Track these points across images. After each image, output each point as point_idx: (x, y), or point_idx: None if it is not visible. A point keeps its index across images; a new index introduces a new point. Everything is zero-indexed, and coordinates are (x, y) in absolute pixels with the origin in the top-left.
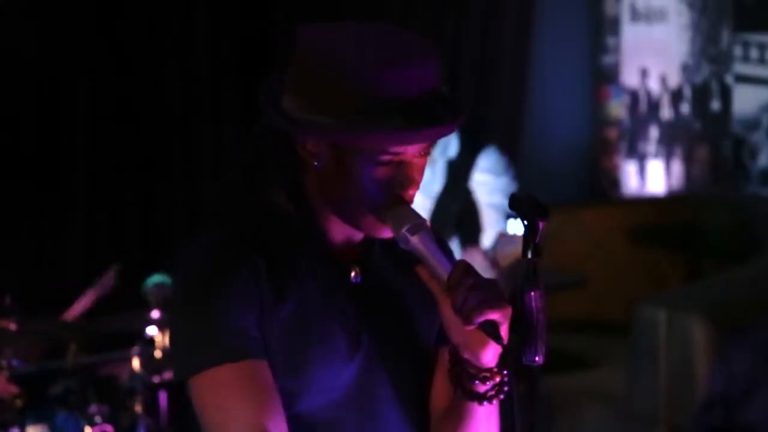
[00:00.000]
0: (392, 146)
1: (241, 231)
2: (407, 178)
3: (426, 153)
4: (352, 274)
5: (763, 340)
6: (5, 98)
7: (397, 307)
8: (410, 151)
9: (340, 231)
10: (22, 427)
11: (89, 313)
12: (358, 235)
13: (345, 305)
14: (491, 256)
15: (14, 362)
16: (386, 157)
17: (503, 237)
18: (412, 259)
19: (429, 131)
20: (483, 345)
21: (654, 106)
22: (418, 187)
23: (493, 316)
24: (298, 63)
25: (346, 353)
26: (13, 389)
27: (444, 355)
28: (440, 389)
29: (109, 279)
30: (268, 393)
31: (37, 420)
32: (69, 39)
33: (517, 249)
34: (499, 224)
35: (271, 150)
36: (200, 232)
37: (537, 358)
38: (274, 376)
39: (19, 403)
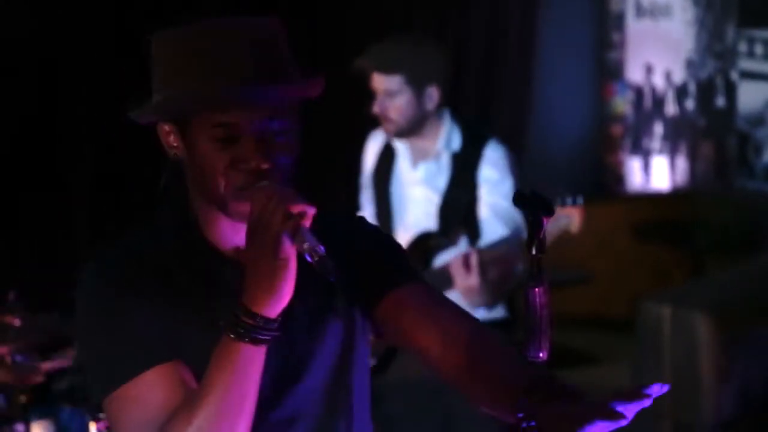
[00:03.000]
0: (212, 113)
1: (125, 245)
2: (250, 152)
3: (272, 127)
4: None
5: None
6: (9, 95)
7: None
8: (245, 123)
9: (230, 230)
10: (27, 423)
11: None
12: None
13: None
14: (483, 258)
15: (19, 358)
16: (219, 132)
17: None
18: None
19: (251, 91)
20: None
21: (659, 102)
22: (268, 161)
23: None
24: (153, 60)
25: None
26: (29, 381)
27: (409, 294)
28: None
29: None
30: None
31: (41, 415)
32: (74, 31)
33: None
34: (496, 227)
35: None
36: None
37: (541, 354)
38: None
39: (23, 398)
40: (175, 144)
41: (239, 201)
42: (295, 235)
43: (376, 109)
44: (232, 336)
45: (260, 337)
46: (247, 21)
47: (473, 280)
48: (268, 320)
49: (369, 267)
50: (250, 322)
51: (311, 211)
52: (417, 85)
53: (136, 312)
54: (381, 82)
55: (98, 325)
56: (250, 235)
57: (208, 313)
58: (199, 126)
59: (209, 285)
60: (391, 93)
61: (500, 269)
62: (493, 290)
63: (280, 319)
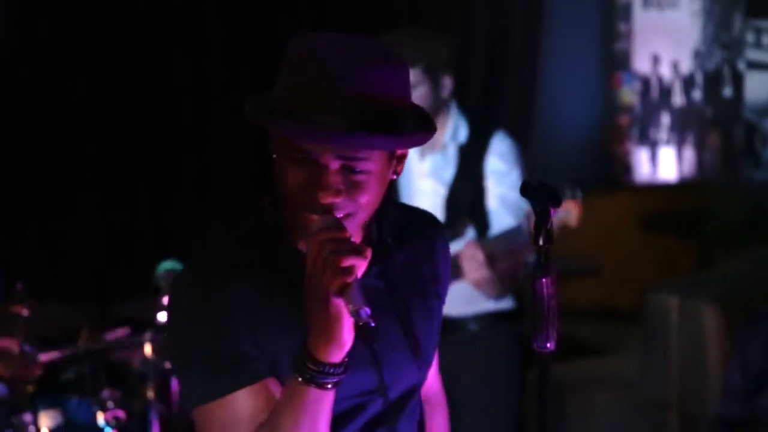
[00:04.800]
0: (292, 138)
1: (220, 254)
2: (318, 182)
3: (351, 164)
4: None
5: None
6: (16, 84)
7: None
8: (322, 153)
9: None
10: (35, 413)
11: (102, 299)
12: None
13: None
14: (491, 249)
15: (26, 348)
16: (298, 154)
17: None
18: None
19: (332, 136)
20: None
21: (666, 92)
22: (337, 196)
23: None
24: (282, 66)
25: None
26: (37, 371)
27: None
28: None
29: None
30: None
31: (49, 405)
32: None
33: (561, 219)
34: (504, 217)
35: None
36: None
37: (548, 345)
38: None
39: (31, 388)
40: (273, 147)
41: (302, 232)
42: (344, 293)
43: None
44: (299, 379)
45: (325, 381)
46: (376, 55)
47: (483, 272)
48: (332, 365)
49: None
50: (314, 368)
51: (363, 263)
52: (433, 75)
53: (230, 326)
54: None
55: (192, 337)
56: (306, 285)
57: (301, 318)
58: (281, 142)
59: (300, 291)
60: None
61: (510, 260)
62: (503, 281)
63: (346, 360)
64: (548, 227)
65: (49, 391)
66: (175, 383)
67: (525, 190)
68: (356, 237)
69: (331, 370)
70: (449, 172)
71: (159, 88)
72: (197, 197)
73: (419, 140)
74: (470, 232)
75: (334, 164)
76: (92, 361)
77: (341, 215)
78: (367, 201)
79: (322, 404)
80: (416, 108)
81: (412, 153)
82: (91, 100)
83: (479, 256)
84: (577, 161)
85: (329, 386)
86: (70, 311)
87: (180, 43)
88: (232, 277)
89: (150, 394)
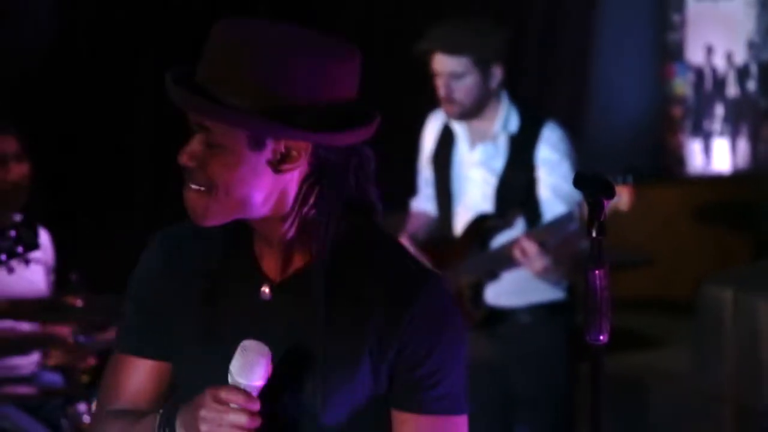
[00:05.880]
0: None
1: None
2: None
3: (203, 135)
4: (264, 290)
5: None
6: (69, 84)
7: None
8: (191, 118)
9: (258, 237)
10: (90, 402)
11: None
12: (275, 242)
13: (244, 323)
14: (543, 237)
15: (81, 338)
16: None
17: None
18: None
19: (175, 92)
20: None
21: (719, 83)
22: (189, 161)
23: None
24: None
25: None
26: (91, 361)
27: (405, 423)
28: None
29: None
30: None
31: None
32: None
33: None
34: (557, 207)
35: None
36: None
37: (601, 337)
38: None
39: (85, 378)
40: None
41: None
42: None
43: (441, 91)
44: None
45: None
46: (268, 30)
47: (540, 262)
48: None
49: (402, 367)
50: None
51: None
52: (483, 65)
53: (161, 298)
54: (447, 64)
55: (131, 289)
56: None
57: (209, 323)
58: None
59: (228, 295)
60: (457, 74)
61: (566, 245)
62: (563, 264)
63: None
64: (601, 218)
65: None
66: None
67: (578, 181)
68: (221, 218)
69: None
70: (500, 161)
71: None
72: None
73: (254, 125)
74: (520, 223)
75: (195, 128)
76: None
77: (195, 187)
78: (220, 177)
79: None
80: (339, 108)
81: (463, 143)
82: (144, 91)
83: (531, 248)
84: (630, 152)
85: None
86: (124, 301)
87: None
88: (187, 251)
89: None
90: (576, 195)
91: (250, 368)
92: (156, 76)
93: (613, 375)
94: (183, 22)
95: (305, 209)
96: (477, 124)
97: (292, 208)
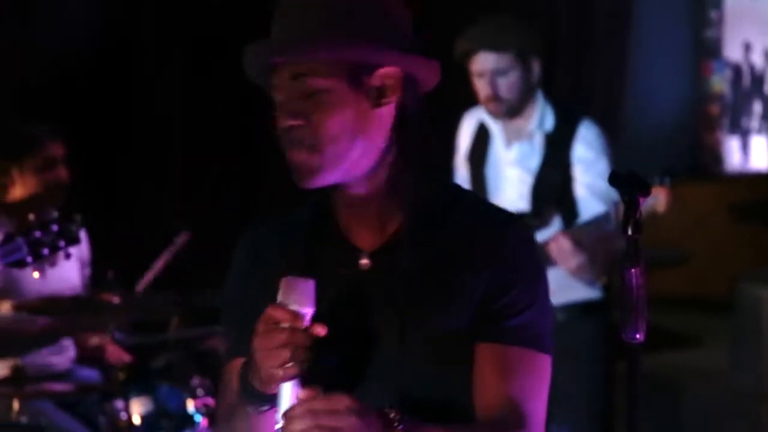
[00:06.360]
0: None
1: (273, 219)
2: (280, 111)
3: (300, 83)
4: (363, 261)
5: None
6: (103, 81)
7: (411, 294)
8: (278, 83)
9: (348, 208)
10: (126, 399)
11: (191, 288)
12: (369, 214)
13: (346, 294)
14: (579, 237)
15: (118, 335)
16: (274, 96)
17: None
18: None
19: (272, 48)
20: None
21: (757, 80)
22: (293, 118)
23: None
24: None
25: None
26: (126, 358)
27: (485, 353)
28: (486, 387)
29: (180, 242)
30: None
31: (140, 392)
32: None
33: (649, 206)
34: (594, 206)
35: None
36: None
37: (637, 335)
38: None
39: (122, 375)
40: None
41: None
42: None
43: (486, 90)
44: (241, 395)
45: (256, 405)
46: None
47: (575, 260)
48: (260, 394)
49: (483, 299)
50: (249, 389)
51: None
52: (524, 60)
53: (250, 297)
54: (490, 61)
55: (232, 296)
56: (253, 345)
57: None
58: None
59: (323, 273)
60: (502, 71)
61: (601, 244)
62: (598, 264)
63: (271, 395)
64: (637, 217)
65: (140, 378)
66: None
67: (613, 179)
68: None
69: (261, 397)
70: (535, 160)
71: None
72: (285, 188)
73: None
74: (556, 222)
75: (289, 87)
76: (182, 349)
77: (301, 147)
78: (325, 126)
79: (256, 424)
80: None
81: (499, 141)
82: (175, 94)
83: (567, 245)
84: (667, 150)
85: (257, 411)
86: (160, 299)
87: None
88: (275, 241)
89: None
90: (612, 193)
91: (295, 294)
92: (187, 76)
93: (649, 373)
94: (215, 23)
95: (396, 161)
96: (513, 122)
97: (383, 161)
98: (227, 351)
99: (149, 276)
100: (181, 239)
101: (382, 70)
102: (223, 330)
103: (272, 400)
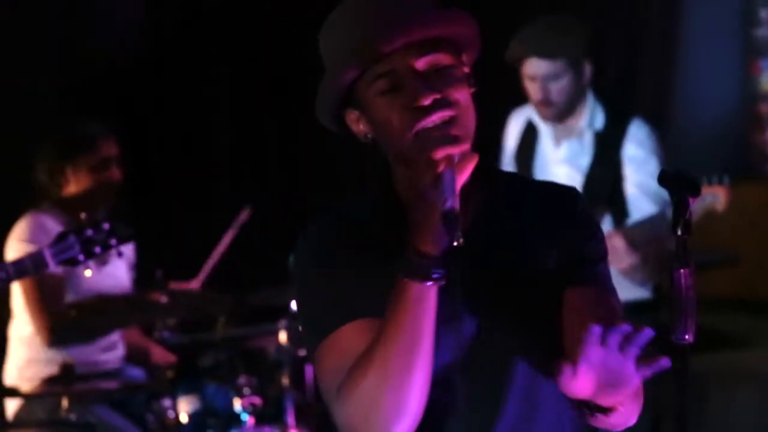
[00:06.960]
0: (368, 67)
1: (337, 214)
2: (415, 90)
3: (434, 58)
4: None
5: None
6: (149, 81)
7: (504, 253)
8: (401, 67)
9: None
10: (174, 398)
11: (238, 288)
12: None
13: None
14: (633, 236)
15: (165, 334)
16: (382, 84)
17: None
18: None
19: (388, 30)
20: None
21: None
22: (437, 92)
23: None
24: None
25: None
26: (171, 358)
27: (574, 298)
28: (572, 332)
29: (242, 218)
30: None
31: (187, 391)
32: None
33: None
34: (645, 205)
35: None
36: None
37: (687, 337)
38: None
39: (170, 374)
40: (362, 127)
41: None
42: (436, 183)
43: (538, 95)
44: (401, 276)
45: (424, 273)
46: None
47: (627, 260)
48: (428, 256)
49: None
50: (414, 259)
51: (457, 158)
52: (576, 64)
53: (342, 270)
54: (542, 67)
55: (310, 282)
56: (411, 180)
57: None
58: (366, 89)
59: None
60: (553, 76)
61: (654, 245)
62: (650, 265)
63: (443, 256)
64: (687, 217)
65: (187, 377)
66: (309, 370)
67: (662, 179)
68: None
69: (429, 262)
70: (586, 159)
71: (286, 80)
72: (331, 186)
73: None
74: (606, 220)
75: (420, 63)
76: (229, 348)
77: (447, 118)
78: (464, 101)
79: (423, 302)
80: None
81: (547, 140)
82: (222, 94)
83: (620, 244)
84: (716, 150)
85: (428, 280)
86: (208, 299)
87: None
88: (347, 227)
89: (285, 380)
90: (663, 193)
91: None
92: (235, 80)
93: (700, 375)
94: (260, 28)
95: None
96: (563, 121)
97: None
98: (322, 327)
99: (216, 255)
100: (242, 215)
101: (466, 55)
102: (300, 320)
103: (436, 263)
